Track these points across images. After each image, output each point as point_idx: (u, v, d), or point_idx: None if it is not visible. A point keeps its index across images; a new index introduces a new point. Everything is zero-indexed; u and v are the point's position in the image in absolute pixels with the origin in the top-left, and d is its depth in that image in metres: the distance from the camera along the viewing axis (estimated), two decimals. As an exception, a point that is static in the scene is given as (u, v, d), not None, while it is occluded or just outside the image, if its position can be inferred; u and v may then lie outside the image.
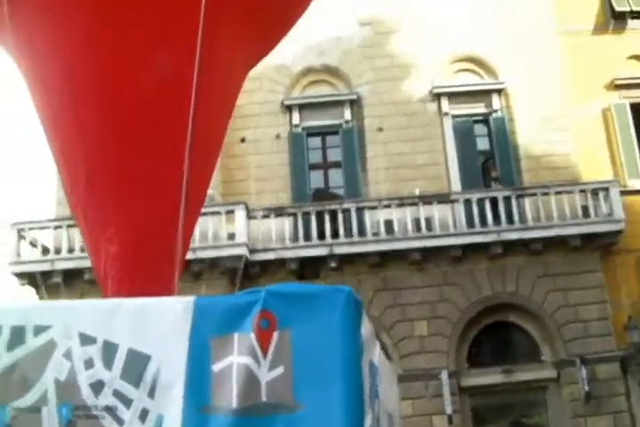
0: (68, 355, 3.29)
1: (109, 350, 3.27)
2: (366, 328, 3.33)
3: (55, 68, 5.21)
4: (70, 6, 5.09)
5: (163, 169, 5.14)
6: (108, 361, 3.25)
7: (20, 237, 20.45)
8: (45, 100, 5.36)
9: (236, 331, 3.18)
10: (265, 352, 3.14)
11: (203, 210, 6.21)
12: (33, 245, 20.66)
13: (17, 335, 3.36)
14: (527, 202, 20.70)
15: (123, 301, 3.63)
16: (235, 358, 3.15)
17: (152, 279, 5.01)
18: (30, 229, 20.62)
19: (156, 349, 3.26)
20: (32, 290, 20.47)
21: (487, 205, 20.57)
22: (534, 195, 20.79)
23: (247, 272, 19.92)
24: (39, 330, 3.35)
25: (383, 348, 4.09)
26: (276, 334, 3.16)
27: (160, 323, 3.30)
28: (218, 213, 19.95)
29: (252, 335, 3.15)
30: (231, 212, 20.32)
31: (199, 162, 5.23)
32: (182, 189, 4.98)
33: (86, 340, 3.30)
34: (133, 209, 5.15)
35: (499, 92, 22.87)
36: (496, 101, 22.81)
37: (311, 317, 3.18)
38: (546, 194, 20.66)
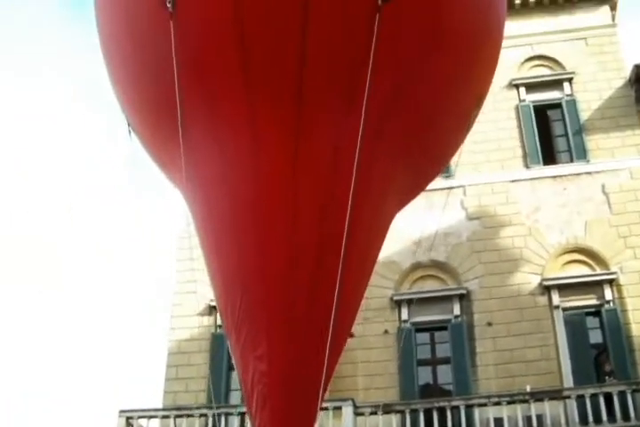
0: None
1: None
2: None
3: (222, 196, 5.92)
4: (240, 144, 5.87)
5: (314, 298, 5.62)
6: None
7: (128, 424, 20.75)
8: (209, 227, 6.11)
9: None
10: None
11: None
12: (140, 432, 21.02)
13: None
14: (643, 396, 19.63)
15: None
16: None
17: (294, 400, 5.51)
18: (139, 417, 20.96)
19: None
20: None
21: (601, 401, 19.54)
22: (650, 389, 19.69)
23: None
24: None
25: None
26: None
27: None
28: (325, 408, 19.78)
29: None
30: (338, 408, 20.21)
31: (349, 289, 5.72)
32: (330, 317, 5.44)
33: None
34: (284, 333, 5.61)
35: (610, 282, 22.33)
36: (608, 293, 22.20)
37: None
38: (663, 388, 19.56)
